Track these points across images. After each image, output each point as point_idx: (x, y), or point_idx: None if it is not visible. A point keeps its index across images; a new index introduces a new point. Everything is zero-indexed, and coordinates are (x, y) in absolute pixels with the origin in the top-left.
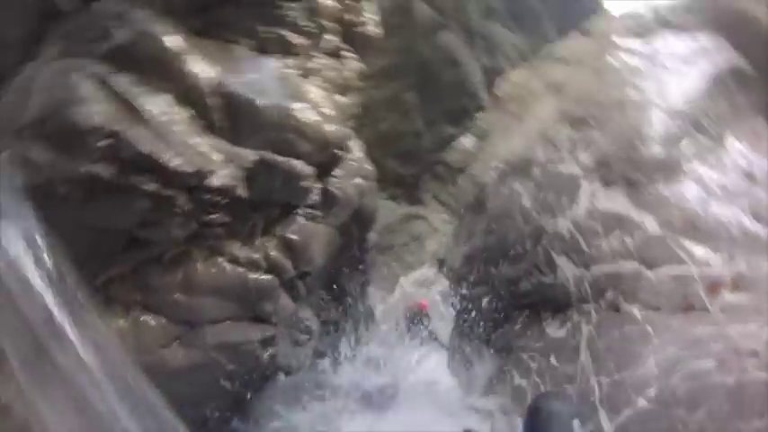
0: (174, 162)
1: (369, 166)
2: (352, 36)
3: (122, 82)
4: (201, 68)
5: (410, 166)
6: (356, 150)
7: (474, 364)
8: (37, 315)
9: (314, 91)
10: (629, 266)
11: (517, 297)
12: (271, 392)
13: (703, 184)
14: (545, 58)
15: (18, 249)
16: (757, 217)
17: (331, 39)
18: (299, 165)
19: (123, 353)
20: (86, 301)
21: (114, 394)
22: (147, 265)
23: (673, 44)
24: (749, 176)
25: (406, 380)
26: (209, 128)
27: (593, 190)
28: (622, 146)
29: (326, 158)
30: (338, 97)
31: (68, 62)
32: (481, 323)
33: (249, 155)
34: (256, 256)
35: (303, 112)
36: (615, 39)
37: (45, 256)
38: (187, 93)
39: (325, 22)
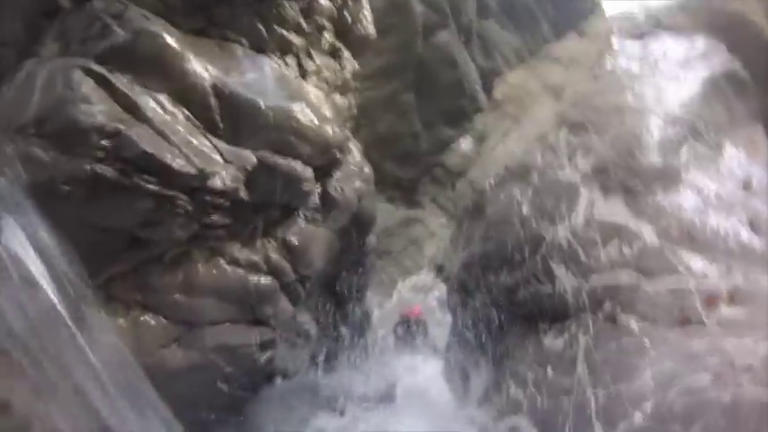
0: (177, 162)
1: (368, 169)
2: (349, 36)
3: (123, 80)
4: (201, 68)
5: (408, 168)
6: (355, 153)
7: (470, 372)
8: (39, 312)
9: (313, 92)
10: (626, 277)
11: (515, 306)
12: (268, 395)
13: (701, 194)
14: (543, 58)
15: (20, 246)
16: (755, 228)
17: (328, 38)
18: (299, 166)
19: (125, 350)
20: (88, 299)
21: (115, 391)
22: (147, 265)
23: (670, 47)
24: (747, 186)
25: (401, 386)
26: (210, 128)
27: (593, 198)
28: (621, 153)
29: (327, 161)
30: (337, 98)
31: (68, 60)
32: (478, 331)
33: (250, 156)
34: (256, 258)
35: (303, 114)
36: (612, 40)
37: (47, 253)
38: (187, 92)
39: (322, 22)
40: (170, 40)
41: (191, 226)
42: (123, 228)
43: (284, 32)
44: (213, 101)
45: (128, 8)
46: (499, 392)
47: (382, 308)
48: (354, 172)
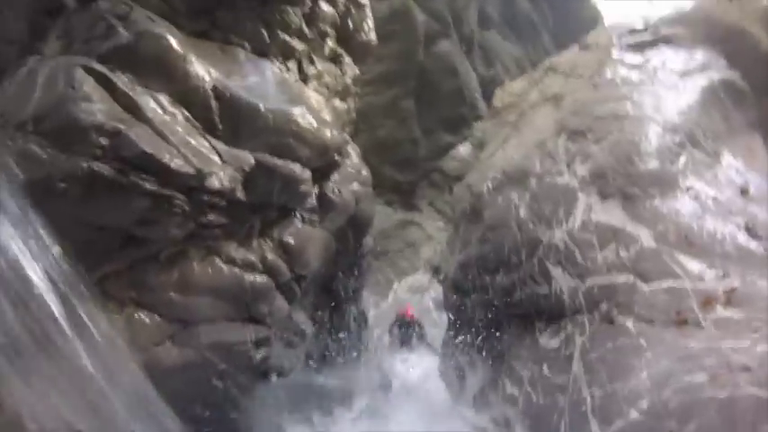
0: (175, 162)
1: (366, 172)
2: (350, 42)
3: (124, 80)
4: (203, 70)
5: (407, 172)
6: (354, 156)
7: (466, 372)
8: (35, 309)
9: (313, 96)
10: (623, 279)
11: (511, 306)
12: (262, 393)
13: (698, 200)
14: (544, 69)
15: (17, 243)
16: (752, 233)
17: (330, 44)
18: (297, 168)
19: (122, 348)
20: (85, 296)
21: (112, 388)
22: (143, 263)
23: (669, 58)
24: (744, 193)
25: (396, 385)
26: (209, 129)
27: (590, 202)
28: (620, 159)
29: (325, 163)
30: (337, 102)
31: (70, 59)
32: (474, 331)
33: (248, 157)
34: (253, 257)
35: (303, 117)
36: (612, 51)
37: (44, 249)
38: (188, 93)
39: (325, 28)
40: (173, 42)
41: (187, 225)
42: (119, 226)
43: (287, 38)
44: (214, 103)
45: (133, 9)
46: (495, 390)
47: (378, 308)
48: (352, 175)
